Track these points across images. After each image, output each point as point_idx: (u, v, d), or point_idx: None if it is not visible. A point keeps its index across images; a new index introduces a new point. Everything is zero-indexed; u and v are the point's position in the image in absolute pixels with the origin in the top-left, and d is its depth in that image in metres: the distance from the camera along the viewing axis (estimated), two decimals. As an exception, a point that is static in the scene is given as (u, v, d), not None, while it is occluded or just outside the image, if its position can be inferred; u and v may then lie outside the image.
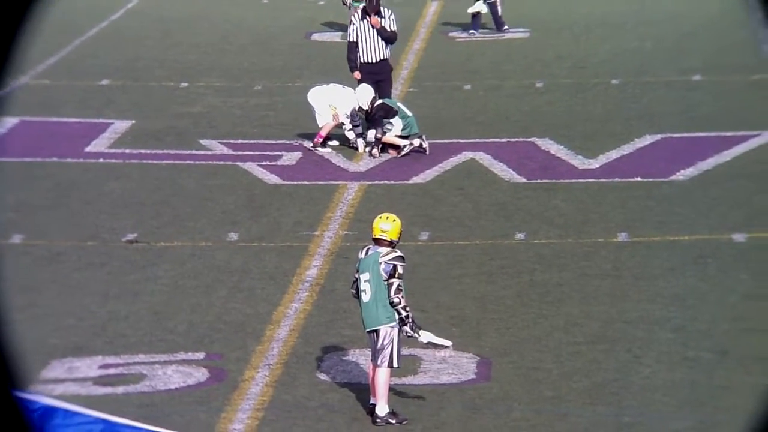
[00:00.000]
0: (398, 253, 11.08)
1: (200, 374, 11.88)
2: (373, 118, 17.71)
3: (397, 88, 21.11)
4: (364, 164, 17.64)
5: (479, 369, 11.90)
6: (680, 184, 16.55)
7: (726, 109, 19.33)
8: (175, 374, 11.87)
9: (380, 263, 10.98)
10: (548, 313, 13.02)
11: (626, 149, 17.81)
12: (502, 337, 12.54)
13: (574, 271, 14.03)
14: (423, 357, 12.03)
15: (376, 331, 10.91)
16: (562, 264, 14.20)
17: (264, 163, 17.59)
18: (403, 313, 10.93)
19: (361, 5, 18.66)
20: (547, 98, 20.47)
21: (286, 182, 16.97)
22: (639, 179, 16.74)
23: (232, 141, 18.44)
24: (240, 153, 17.94)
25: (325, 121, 17.91)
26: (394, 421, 10.94)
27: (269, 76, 21.69)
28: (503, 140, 18.33)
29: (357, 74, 18.36)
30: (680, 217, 15.48)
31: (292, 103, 19.94)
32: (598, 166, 17.28)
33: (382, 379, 10.90)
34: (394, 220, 11.29)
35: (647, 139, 18.13)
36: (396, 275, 10.96)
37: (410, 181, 16.90)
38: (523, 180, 16.87)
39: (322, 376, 11.85)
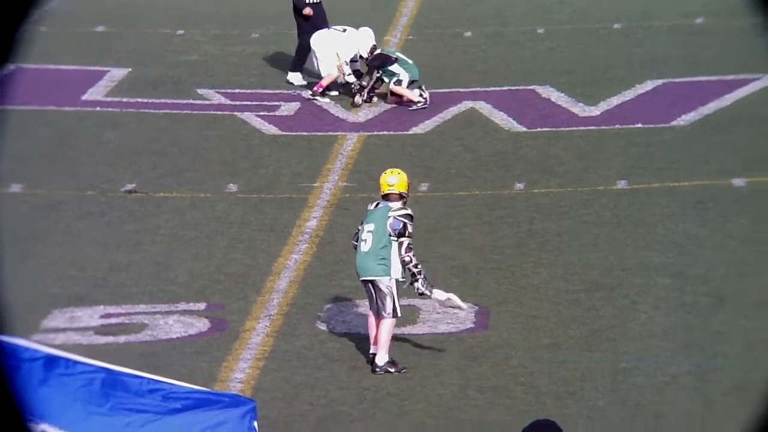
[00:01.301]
0: (408, 210, 11.42)
1: (201, 324, 12.26)
2: (369, 65, 17.93)
3: (396, 35, 21.28)
4: (363, 115, 17.82)
5: (477, 318, 12.26)
6: (681, 130, 16.82)
7: (728, 53, 19.50)
8: (177, 324, 12.26)
9: (389, 217, 11.32)
10: (547, 261, 13.36)
11: (627, 95, 18.04)
12: (501, 286, 12.89)
13: (573, 219, 14.35)
14: (422, 307, 12.39)
15: (373, 282, 11.28)
16: (561, 213, 14.52)
17: (262, 113, 17.79)
18: (415, 271, 11.28)
19: None
20: (548, 44, 20.63)
21: (284, 133, 17.19)
22: (640, 125, 16.99)
23: (229, 90, 18.68)
24: (238, 103, 18.19)
25: (327, 71, 18.05)
26: (393, 370, 11.36)
27: (266, 23, 21.76)
28: (504, 89, 18.51)
29: (308, 11, 18.73)
30: (680, 163, 15.76)
31: (289, 52, 20.10)
32: (598, 113, 17.52)
33: (387, 329, 11.24)
34: (399, 173, 11.63)
35: (648, 85, 18.35)
36: (406, 234, 11.29)
37: (410, 132, 17.16)
38: (524, 129, 17.12)
39: (322, 327, 12.23)
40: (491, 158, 16.21)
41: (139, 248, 13.85)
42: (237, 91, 18.59)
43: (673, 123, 17.01)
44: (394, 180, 11.60)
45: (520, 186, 15.28)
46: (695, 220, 14.22)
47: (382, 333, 11.26)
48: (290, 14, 22.41)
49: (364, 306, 12.01)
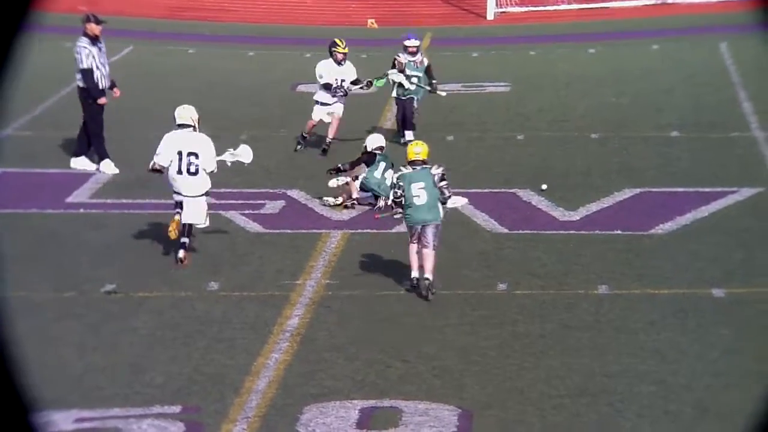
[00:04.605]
0: (443, 167, 14.04)
1: (176, 428, 11.06)
2: (358, 158, 17.36)
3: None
4: (347, 213, 17.01)
5: (461, 422, 11.16)
6: (659, 238, 15.97)
7: (703, 166, 18.80)
8: (150, 429, 11.07)
9: (434, 175, 13.88)
10: (530, 365, 12.32)
11: (606, 202, 17.26)
12: (484, 389, 11.80)
13: (555, 322, 13.38)
14: (404, 409, 11.28)
15: (429, 225, 13.81)
16: (544, 315, 13.55)
17: (246, 211, 16.89)
18: (449, 195, 14.06)
19: None
20: (528, 150, 19.93)
21: (268, 231, 16.26)
22: (619, 232, 16.15)
23: (214, 190, 17.41)
24: (222, 202, 17.12)
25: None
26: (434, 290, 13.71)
27: (255, 125, 21.01)
28: (485, 191, 17.75)
29: (104, 100, 18.67)
30: (660, 270, 14.88)
31: (276, 152, 19.40)
32: (578, 218, 16.70)
33: (434, 257, 13.76)
34: (423, 145, 14.19)
35: (627, 193, 17.58)
36: (444, 179, 13.90)
37: (393, 230, 16.17)
38: (505, 230, 16.27)
39: (301, 429, 11.08)
40: (473, 258, 15.29)
41: (116, 349, 12.72)
42: (222, 190, 17.42)
43: (651, 231, 16.17)
44: (419, 149, 14.11)
45: (502, 286, 14.35)
46: (676, 329, 13.28)
47: (431, 260, 13.77)
48: (278, 117, 21.88)
49: (344, 408, 10.97)
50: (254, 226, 16.42)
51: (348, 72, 19.81)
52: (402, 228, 16.47)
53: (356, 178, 17.29)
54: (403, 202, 13.91)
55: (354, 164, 17.35)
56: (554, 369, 12.20)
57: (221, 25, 30.98)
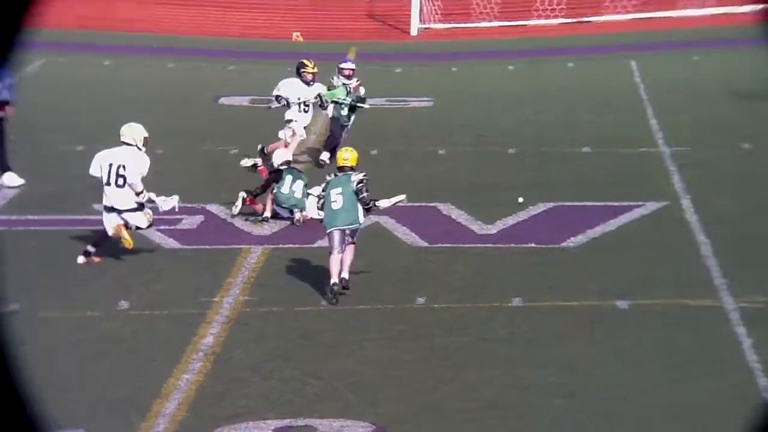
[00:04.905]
0: (363, 173, 13.96)
1: (75, 455, 10.33)
2: (267, 180, 16.99)
3: (306, 152, 20.39)
4: (268, 228, 16.53)
5: (374, 437, 10.98)
6: (570, 251, 15.94)
7: (613, 180, 18.81)
8: (49, 454, 10.61)
9: (353, 181, 13.78)
10: (446, 378, 12.17)
11: (522, 216, 17.20)
12: (400, 404, 11.58)
13: (472, 335, 13.27)
14: (319, 427, 11.03)
15: (343, 230, 13.74)
16: (461, 328, 13.44)
17: (162, 227, 16.05)
18: (371, 204, 13.90)
19: None
20: (449, 165, 19.83)
21: (185, 247, 15.63)
22: (533, 245, 16.11)
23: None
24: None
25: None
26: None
27: (173, 138, 20.33)
28: (407, 204, 17.48)
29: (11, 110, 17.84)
30: (570, 282, 14.83)
31: (196, 165, 18.99)
32: (495, 231, 16.63)
33: (353, 252, 13.83)
34: (352, 151, 14.15)
35: (541, 207, 17.53)
36: (362, 184, 13.79)
37: (315, 245, 15.83)
38: (426, 244, 16.14)
39: (210, 453, 10.65)
40: (394, 272, 15.07)
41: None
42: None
43: (563, 244, 16.15)
44: (348, 156, 14.07)
45: (421, 300, 14.21)
46: (585, 340, 13.25)
47: (349, 257, 13.75)
48: (197, 130, 21.38)
49: (258, 428, 10.61)
50: (170, 242, 15.78)
51: (317, 92, 19.24)
52: (324, 242, 16.15)
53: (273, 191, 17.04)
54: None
55: (265, 187, 16.94)
56: (469, 382, 12.10)
57: (138, 36, 30.13)
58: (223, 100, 23.60)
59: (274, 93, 19.36)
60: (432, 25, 31.26)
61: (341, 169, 13.91)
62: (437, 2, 31.37)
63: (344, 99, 19.44)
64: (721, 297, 13.98)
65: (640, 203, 17.53)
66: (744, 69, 25.11)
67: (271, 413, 11.11)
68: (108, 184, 14.94)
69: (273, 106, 19.35)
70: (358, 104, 19.72)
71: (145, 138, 15.15)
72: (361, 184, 13.76)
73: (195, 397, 11.48)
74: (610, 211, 17.28)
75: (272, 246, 15.88)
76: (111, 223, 14.95)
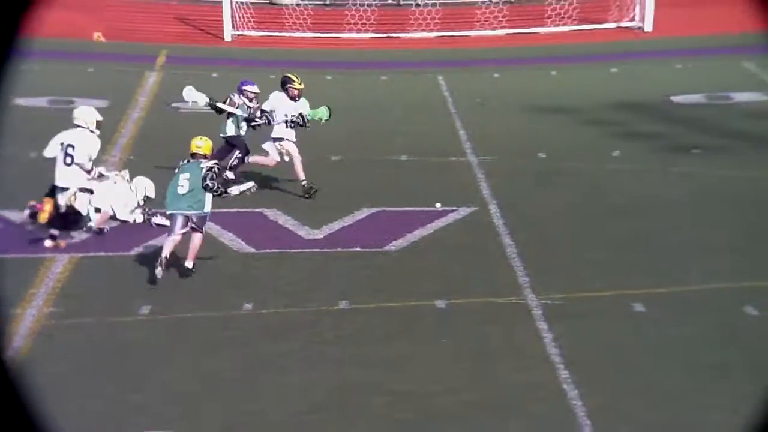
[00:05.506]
0: (215, 161, 13.45)
1: None
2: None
3: (116, 155, 19.08)
4: (77, 234, 15.01)
5: (202, 449, 10.11)
6: (392, 254, 15.39)
7: (428, 187, 18.32)
8: None
9: (203, 168, 13.15)
10: (273, 384, 11.47)
11: (347, 221, 16.58)
12: (226, 413, 10.77)
13: (299, 339, 12.59)
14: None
15: (187, 216, 13.27)
16: (288, 333, 12.74)
17: None
18: (219, 191, 13.41)
19: None
20: (274, 171, 18.97)
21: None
22: (359, 249, 15.49)
23: None
24: None
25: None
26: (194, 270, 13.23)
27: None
28: (232, 210, 16.40)
29: None
30: (393, 284, 14.29)
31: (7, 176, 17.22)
32: (322, 236, 15.96)
33: (200, 241, 13.42)
34: (206, 140, 13.54)
35: (365, 212, 16.95)
36: (210, 171, 13.22)
37: (131, 252, 14.68)
38: (252, 250, 15.31)
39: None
40: (220, 278, 14.16)
41: None
42: None
43: (386, 248, 15.58)
44: (201, 143, 13.43)
45: (248, 306, 13.38)
46: (407, 339, 12.69)
47: (197, 245, 13.38)
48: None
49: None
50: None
51: (301, 109, 17.67)
52: (142, 248, 15.07)
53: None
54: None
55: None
56: (295, 386, 11.42)
57: None
58: (20, 101, 21.89)
59: (265, 106, 17.58)
60: (246, 32, 29.93)
61: (194, 155, 13.36)
62: (249, 10, 30.06)
63: (328, 119, 17.92)
64: (525, 295, 13.62)
65: (453, 208, 17.09)
66: (538, 85, 25.11)
67: (84, 431, 10.00)
68: (58, 162, 14.66)
69: (262, 122, 17.42)
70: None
71: (97, 121, 14.65)
72: (209, 171, 13.27)
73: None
74: (427, 216, 16.82)
75: (81, 254, 14.44)
76: (62, 201, 14.23)
